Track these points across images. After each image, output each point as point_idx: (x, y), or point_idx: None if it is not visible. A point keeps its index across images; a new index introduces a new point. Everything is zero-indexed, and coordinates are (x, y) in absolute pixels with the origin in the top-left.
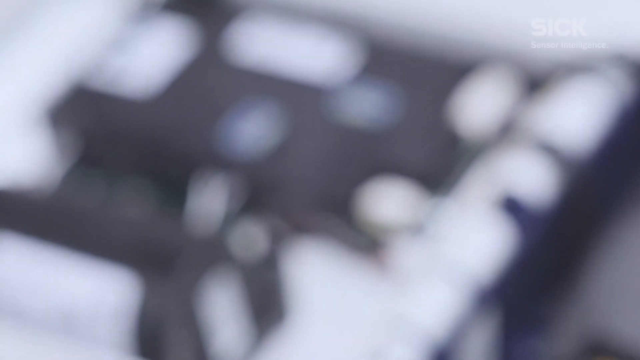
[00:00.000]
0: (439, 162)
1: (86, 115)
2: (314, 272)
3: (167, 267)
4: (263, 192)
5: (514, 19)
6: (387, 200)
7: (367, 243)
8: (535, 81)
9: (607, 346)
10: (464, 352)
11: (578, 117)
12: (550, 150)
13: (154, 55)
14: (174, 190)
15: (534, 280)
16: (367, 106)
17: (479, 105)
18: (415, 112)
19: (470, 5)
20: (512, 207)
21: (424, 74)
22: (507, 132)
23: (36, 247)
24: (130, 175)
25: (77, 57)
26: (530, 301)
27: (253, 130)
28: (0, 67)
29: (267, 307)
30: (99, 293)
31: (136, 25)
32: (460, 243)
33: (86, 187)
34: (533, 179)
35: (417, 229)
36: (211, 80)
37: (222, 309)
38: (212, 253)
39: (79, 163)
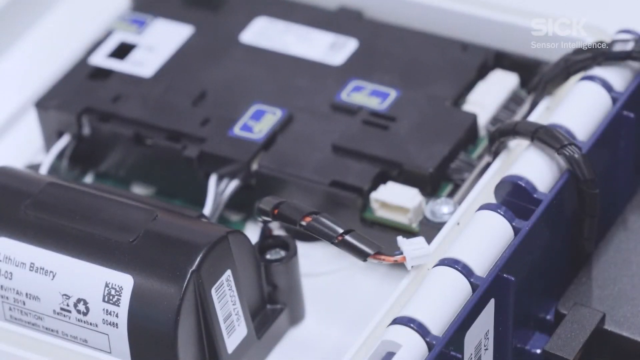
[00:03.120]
0: (445, 158)
1: (79, 103)
2: (323, 270)
3: (174, 263)
4: (269, 190)
5: (514, 18)
6: (395, 198)
7: (376, 241)
8: (538, 75)
9: (610, 341)
10: (465, 347)
11: (582, 109)
12: (555, 142)
13: (157, 41)
14: (175, 184)
15: (538, 274)
16: (372, 105)
17: (482, 103)
18: (419, 111)
19: (473, 5)
20: (518, 199)
21: (427, 72)
22: (510, 127)
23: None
24: (126, 168)
25: (76, 42)
26: (534, 295)
27: (255, 126)
28: None
29: (277, 305)
30: (103, 291)
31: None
32: (466, 237)
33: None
34: (539, 171)
35: (424, 225)
36: (212, 73)
37: (232, 307)
38: (221, 251)
39: (72, 156)
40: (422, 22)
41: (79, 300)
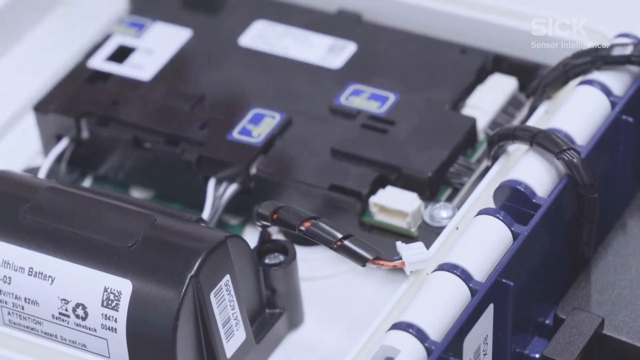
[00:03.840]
0: (444, 162)
1: (78, 105)
2: (322, 275)
3: (173, 268)
4: (268, 194)
5: (512, 22)
6: (394, 202)
7: (374, 245)
8: (537, 79)
9: (609, 346)
10: (464, 352)
11: (581, 113)
12: (554, 147)
13: (156, 44)
14: (174, 188)
15: (537, 279)
16: (371, 109)
17: (481, 107)
18: (418, 114)
19: (471, 9)
20: (517, 204)
21: (426, 76)
22: (509, 132)
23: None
24: (124, 170)
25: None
26: (533, 300)
27: (253, 130)
28: None
29: (276, 309)
30: (102, 296)
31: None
32: (465, 241)
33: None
34: (538, 176)
35: (423, 229)
36: (210, 77)
37: (231, 311)
38: (220, 256)
39: (71, 160)
40: (420, 26)
41: (77, 305)
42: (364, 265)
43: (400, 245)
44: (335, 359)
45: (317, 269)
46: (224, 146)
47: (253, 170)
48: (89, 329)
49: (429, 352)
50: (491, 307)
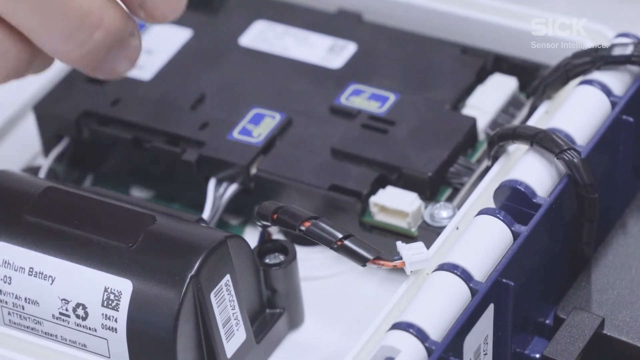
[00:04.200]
0: (444, 162)
1: (76, 105)
2: (322, 275)
3: (173, 268)
4: (268, 194)
5: (513, 22)
6: (394, 202)
7: (375, 245)
8: (537, 79)
9: (609, 345)
10: (464, 352)
11: (581, 113)
12: (554, 147)
13: (156, 44)
14: (174, 188)
15: (537, 279)
16: (371, 109)
17: (481, 107)
18: (418, 114)
19: (472, 9)
20: (517, 204)
21: (426, 76)
22: (510, 132)
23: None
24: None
25: None
26: (533, 300)
27: (254, 130)
28: None
29: (276, 309)
30: (102, 296)
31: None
32: (466, 241)
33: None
34: (538, 176)
35: (423, 229)
36: (211, 77)
37: (231, 311)
38: (220, 256)
39: (71, 160)
40: (421, 26)
41: (78, 305)
42: (364, 265)
43: (400, 245)
44: (335, 359)
45: (317, 269)
46: (224, 146)
47: (253, 170)
48: (89, 329)
49: (429, 352)
50: (491, 307)
